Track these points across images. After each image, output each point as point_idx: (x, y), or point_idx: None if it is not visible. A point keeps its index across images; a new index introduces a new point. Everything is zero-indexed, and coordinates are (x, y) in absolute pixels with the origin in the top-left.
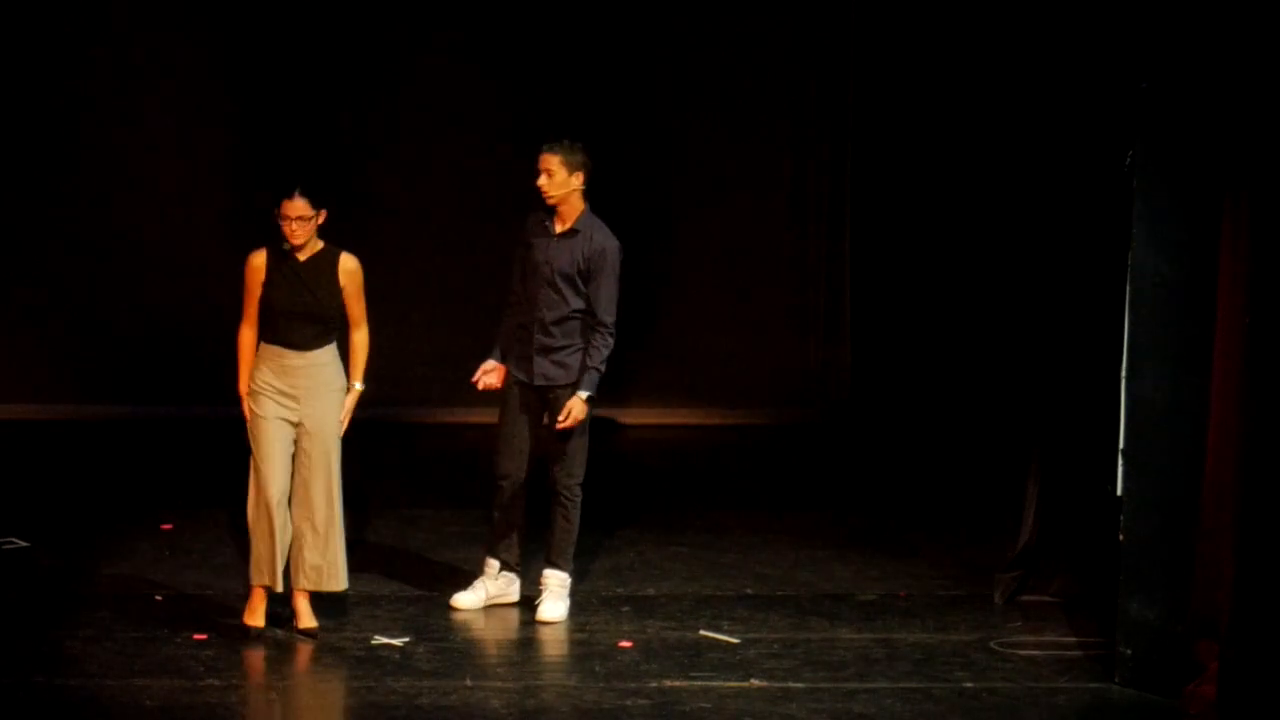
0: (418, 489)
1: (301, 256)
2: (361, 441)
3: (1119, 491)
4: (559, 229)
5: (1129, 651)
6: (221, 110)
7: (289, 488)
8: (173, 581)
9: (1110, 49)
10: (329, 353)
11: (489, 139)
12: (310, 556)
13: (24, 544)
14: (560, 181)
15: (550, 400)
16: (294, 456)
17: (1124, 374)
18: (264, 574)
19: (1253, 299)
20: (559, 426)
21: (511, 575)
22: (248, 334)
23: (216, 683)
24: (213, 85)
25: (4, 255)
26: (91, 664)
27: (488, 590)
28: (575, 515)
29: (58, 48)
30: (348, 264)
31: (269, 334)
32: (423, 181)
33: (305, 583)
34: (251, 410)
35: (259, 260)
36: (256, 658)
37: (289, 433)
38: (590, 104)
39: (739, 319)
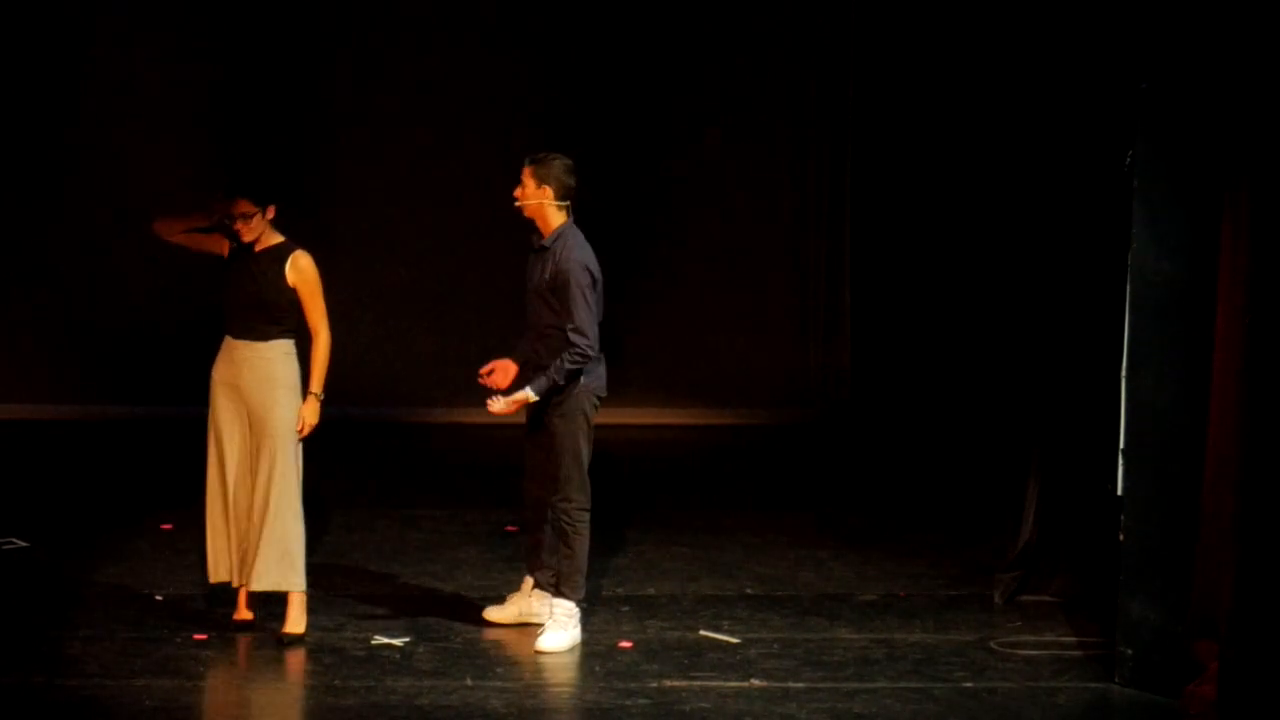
0: (418, 489)
1: (258, 249)
2: (364, 442)
3: (1119, 491)
4: (539, 244)
5: (1129, 651)
6: (221, 111)
7: (237, 482)
8: (173, 581)
9: (1110, 49)
10: (277, 349)
11: (491, 139)
12: (249, 554)
13: (24, 544)
14: (530, 193)
15: (543, 417)
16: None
17: (1124, 373)
18: (217, 571)
19: (1253, 299)
20: (490, 406)
21: (545, 595)
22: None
23: (216, 683)
24: (212, 86)
25: (4, 255)
26: (91, 664)
27: (520, 608)
28: (576, 541)
29: (57, 48)
30: (299, 261)
31: (226, 324)
32: (425, 182)
33: (242, 579)
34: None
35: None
36: (256, 658)
37: (238, 427)
38: (590, 104)
39: (739, 319)
